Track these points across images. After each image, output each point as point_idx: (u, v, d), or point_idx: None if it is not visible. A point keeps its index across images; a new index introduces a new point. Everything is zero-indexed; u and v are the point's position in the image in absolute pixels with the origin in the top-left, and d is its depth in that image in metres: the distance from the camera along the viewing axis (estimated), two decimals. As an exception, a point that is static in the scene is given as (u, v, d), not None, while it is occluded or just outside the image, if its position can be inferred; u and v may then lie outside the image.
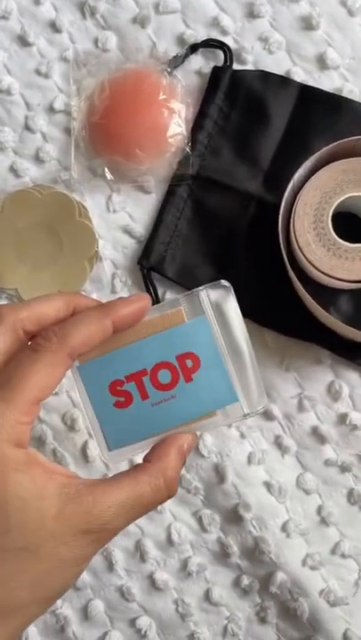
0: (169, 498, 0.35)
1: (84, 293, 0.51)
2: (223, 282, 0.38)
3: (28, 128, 0.52)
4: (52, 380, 0.34)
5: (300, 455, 0.48)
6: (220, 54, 0.51)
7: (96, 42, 0.52)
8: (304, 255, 0.44)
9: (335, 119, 0.49)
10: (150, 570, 0.49)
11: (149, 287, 0.49)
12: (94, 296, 0.50)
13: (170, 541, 0.49)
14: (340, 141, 0.44)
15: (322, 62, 0.50)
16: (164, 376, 0.37)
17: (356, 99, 0.49)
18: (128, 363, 0.37)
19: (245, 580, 0.48)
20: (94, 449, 0.49)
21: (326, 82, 0.50)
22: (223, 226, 0.49)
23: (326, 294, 0.47)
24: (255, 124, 0.50)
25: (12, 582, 0.31)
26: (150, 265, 0.49)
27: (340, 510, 0.48)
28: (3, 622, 0.32)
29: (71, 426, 0.50)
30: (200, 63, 0.51)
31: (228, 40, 0.51)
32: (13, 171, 0.52)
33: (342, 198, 0.44)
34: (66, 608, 0.49)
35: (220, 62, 0.51)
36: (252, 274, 0.49)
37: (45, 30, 0.53)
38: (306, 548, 0.48)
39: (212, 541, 0.48)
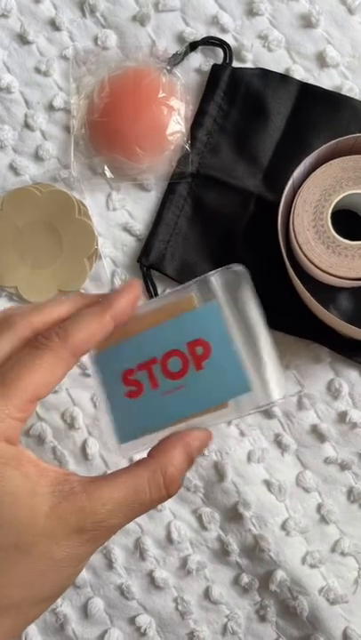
0: (169, 497, 0.33)
1: (83, 291, 0.51)
2: (237, 266, 0.36)
3: (27, 126, 0.52)
4: (52, 379, 0.33)
5: (300, 453, 0.48)
6: (220, 52, 0.51)
7: (96, 40, 0.52)
8: (303, 253, 0.44)
9: (335, 117, 0.49)
10: (150, 568, 0.49)
11: (149, 285, 0.49)
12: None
13: (169, 539, 0.49)
14: (340, 139, 0.44)
15: (321, 60, 0.50)
16: (175, 364, 0.35)
17: (355, 97, 0.49)
18: (139, 351, 0.36)
19: (245, 579, 0.48)
20: (94, 447, 0.49)
21: (326, 80, 0.50)
22: (223, 224, 0.49)
23: (326, 292, 0.47)
24: (255, 121, 0.50)
25: (1, 579, 0.31)
26: (150, 263, 0.49)
27: (340, 508, 0.48)
28: None
29: (71, 424, 0.50)
30: (200, 61, 0.51)
31: (227, 38, 0.51)
32: (13, 169, 0.52)
33: (342, 196, 0.44)
34: (65, 606, 0.49)
35: (220, 60, 0.51)
36: (252, 272, 0.48)
37: (45, 28, 0.53)
38: (306, 546, 0.48)
39: (212, 539, 0.48)
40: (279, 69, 0.50)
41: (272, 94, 0.50)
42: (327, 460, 0.48)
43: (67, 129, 0.52)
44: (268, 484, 0.48)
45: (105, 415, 0.37)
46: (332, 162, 0.45)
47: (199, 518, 0.48)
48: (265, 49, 0.51)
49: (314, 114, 0.49)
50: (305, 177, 0.45)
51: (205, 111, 0.50)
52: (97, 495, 0.31)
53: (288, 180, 0.44)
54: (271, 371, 0.34)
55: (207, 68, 0.51)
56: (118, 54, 0.52)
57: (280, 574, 0.47)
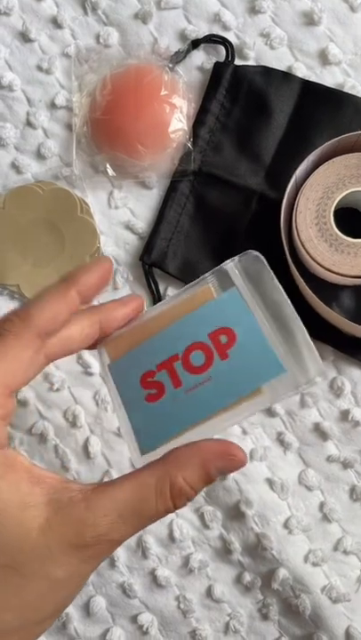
0: (175, 509, 0.29)
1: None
2: (252, 251, 0.34)
3: (29, 124, 0.52)
4: (21, 365, 0.30)
5: (303, 452, 0.48)
6: (222, 50, 0.51)
7: (98, 38, 0.52)
8: (306, 250, 0.44)
9: (337, 115, 0.49)
10: (152, 566, 0.49)
11: (151, 283, 0.49)
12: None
13: (172, 538, 0.48)
14: (342, 136, 0.44)
15: (324, 58, 0.50)
16: (197, 357, 0.33)
17: (358, 94, 0.49)
18: (158, 351, 0.34)
19: (247, 577, 0.48)
20: (96, 445, 0.49)
21: (328, 77, 0.50)
22: (225, 222, 0.49)
23: (328, 290, 0.47)
24: (257, 119, 0.49)
25: None
26: (152, 261, 0.49)
27: (343, 507, 0.48)
28: None
29: (73, 422, 0.49)
30: (202, 59, 0.51)
31: (229, 36, 0.51)
32: (15, 167, 0.52)
33: (344, 193, 0.44)
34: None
35: (222, 58, 0.51)
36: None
37: (47, 26, 0.53)
38: (308, 544, 0.48)
39: (214, 538, 0.48)
40: (281, 67, 0.50)
41: (274, 92, 0.49)
42: (330, 459, 0.48)
43: (69, 127, 0.52)
44: (270, 482, 0.48)
45: (125, 426, 0.34)
46: (334, 159, 0.44)
47: (201, 517, 0.48)
48: (267, 47, 0.51)
49: (316, 112, 0.49)
50: (307, 175, 0.45)
51: (208, 109, 0.50)
52: (98, 505, 0.28)
53: (291, 177, 0.44)
54: (305, 348, 0.32)
55: (209, 65, 0.51)
56: (120, 52, 0.52)
57: (282, 573, 0.47)
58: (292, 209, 0.45)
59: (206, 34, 0.51)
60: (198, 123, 0.50)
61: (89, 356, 0.50)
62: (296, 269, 0.44)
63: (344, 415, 0.48)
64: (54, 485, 0.29)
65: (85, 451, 0.49)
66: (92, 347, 0.36)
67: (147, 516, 0.29)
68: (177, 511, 0.48)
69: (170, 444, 0.32)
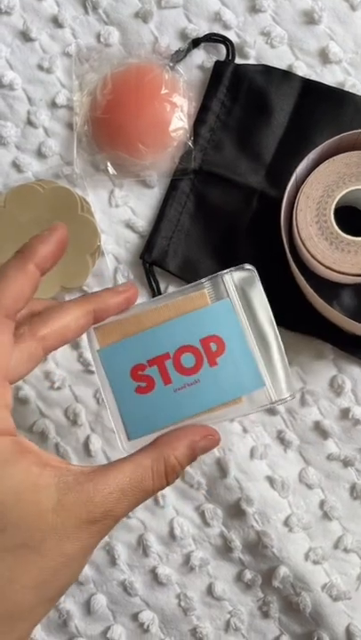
0: (168, 485, 0.34)
1: (85, 288, 0.51)
2: (248, 266, 0.37)
3: (30, 123, 0.52)
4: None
5: (303, 450, 0.48)
6: (223, 49, 0.51)
7: (98, 37, 0.52)
8: (307, 249, 0.44)
9: (338, 113, 0.49)
10: (153, 564, 0.49)
11: (151, 282, 0.49)
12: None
13: (172, 536, 0.49)
14: (343, 135, 0.44)
15: (324, 56, 0.50)
16: (188, 360, 0.36)
17: (358, 93, 0.49)
18: (150, 346, 0.36)
19: (248, 575, 0.48)
20: (97, 443, 0.49)
21: (329, 76, 0.50)
22: (226, 220, 0.49)
23: (329, 288, 0.47)
24: (257, 118, 0.50)
25: (14, 584, 0.29)
26: (152, 259, 0.49)
27: (343, 505, 0.48)
28: (10, 627, 0.30)
29: (74, 420, 0.50)
30: (202, 58, 0.51)
31: (230, 34, 0.51)
32: (16, 166, 0.52)
33: (345, 192, 0.44)
34: (68, 603, 0.49)
35: (223, 57, 0.51)
36: (255, 268, 0.49)
37: (48, 25, 0.53)
38: (308, 542, 0.48)
39: (215, 536, 0.48)
40: (282, 66, 0.50)
41: (275, 91, 0.50)
42: (330, 457, 0.48)
43: (69, 126, 0.52)
44: (270, 480, 0.48)
45: (113, 411, 0.37)
46: (335, 158, 0.45)
47: (202, 515, 0.49)
48: (268, 45, 0.51)
49: (317, 110, 0.49)
50: (308, 173, 0.45)
51: (208, 108, 0.50)
52: (103, 484, 0.31)
53: (291, 176, 0.44)
54: (281, 368, 0.36)
55: (210, 64, 0.51)
56: (121, 51, 0.52)
57: (283, 570, 0.47)
58: (293, 207, 0.45)
59: (207, 32, 0.51)
60: (199, 121, 0.50)
61: (89, 355, 0.50)
62: (297, 268, 0.44)
63: (344, 413, 0.48)
64: (60, 468, 0.31)
65: (86, 449, 0.49)
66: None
67: (145, 492, 0.32)
68: (178, 509, 0.48)
69: (155, 433, 0.35)
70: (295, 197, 0.45)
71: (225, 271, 0.37)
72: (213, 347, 0.36)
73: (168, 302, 0.37)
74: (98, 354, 0.37)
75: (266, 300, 0.37)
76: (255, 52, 0.51)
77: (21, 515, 0.29)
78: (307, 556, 0.47)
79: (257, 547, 0.48)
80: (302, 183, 0.45)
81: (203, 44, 0.51)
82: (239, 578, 0.48)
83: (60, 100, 0.52)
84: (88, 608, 0.49)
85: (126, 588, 0.49)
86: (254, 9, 0.51)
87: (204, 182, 0.50)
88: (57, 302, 0.37)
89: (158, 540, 0.49)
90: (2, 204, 0.50)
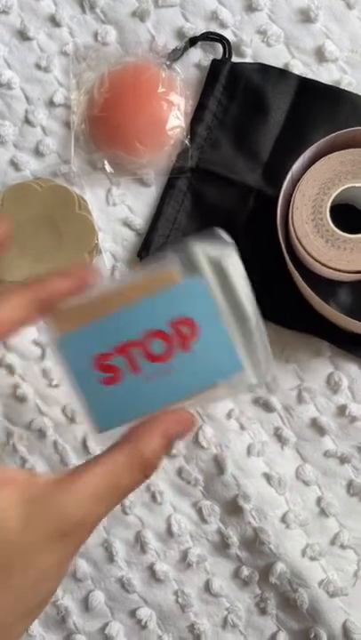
0: (146, 480, 0.31)
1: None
2: (222, 234, 0.33)
3: (28, 122, 0.52)
4: None
5: (300, 447, 0.49)
6: (219, 47, 0.51)
7: (96, 36, 0.52)
8: (303, 246, 0.44)
9: (334, 111, 0.49)
10: (151, 561, 0.49)
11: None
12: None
13: (170, 533, 0.49)
14: (339, 132, 0.44)
15: (320, 55, 0.50)
16: (158, 346, 0.32)
17: (354, 91, 0.49)
18: (114, 333, 0.32)
19: (245, 571, 0.48)
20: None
21: (325, 74, 0.50)
22: (222, 219, 0.50)
23: (326, 286, 0.47)
24: (254, 116, 0.50)
25: None
26: (149, 257, 0.50)
27: (340, 501, 0.48)
28: None
29: (72, 418, 0.50)
30: (199, 56, 0.51)
31: (226, 33, 0.51)
32: (13, 164, 0.52)
33: (341, 189, 0.44)
34: (66, 599, 0.49)
35: (219, 55, 0.51)
36: (252, 266, 0.48)
37: (45, 25, 0.53)
38: (305, 538, 0.48)
39: (212, 532, 0.49)
40: (278, 64, 0.50)
41: (271, 89, 0.50)
42: (327, 454, 0.48)
43: (67, 124, 0.52)
44: (267, 477, 0.48)
45: (78, 403, 0.34)
46: (330, 155, 0.45)
47: (199, 511, 0.49)
48: (264, 44, 0.51)
49: (313, 109, 0.49)
50: (304, 171, 0.45)
51: (205, 106, 0.50)
52: (74, 492, 0.29)
53: (287, 174, 0.44)
54: (261, 349, 0.33)
55: (207, 63, 0.51)
56: (118, 50, 0.52)
57: (280, 567, 0.47)
58: (289, 205, 0.45)
59: (204, 31, 0.51)
60: (196, 120, 0.50)
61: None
62: (293, 266, 0.45)
63: (341, 410, 0.48)
64: (23, 482, 0.29)
65: (84, 446, 0.50)
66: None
67: (121, 492, 0.30)
68: (175, 506, 0.49)
69: (128, 424, 0.33)
70: (291, 195, 0.45)
71: (194, 241, 0.32)
72: (185, 330, 0.32)
73: (132, 282, 0.33)
74: (56, 343, 0.33)
75: (244, 272, 0.33)
76: (252, 51, 0.51)
77: None
78: (304, 553, 0.47)
79: (254, 543, 0.48)
80: (298, 181, 0.45)
81: (199, 43, 0.51)
82: (236, 574, 0.48)
83: (58, 98, 0.52)
84: (86, 604, 0.49)
85: (124, 584, 0.49)
86: (251, 7, 0.51)
87: (200, 180, 0.50)
88: None
89: (156, 537, 0.49)
90: (0, 202, 0.50)
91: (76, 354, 0.33)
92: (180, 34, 0.52)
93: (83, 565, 0.49)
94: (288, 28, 0.51)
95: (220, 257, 0.32)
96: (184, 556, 0.49)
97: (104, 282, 0.34)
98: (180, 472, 0.49)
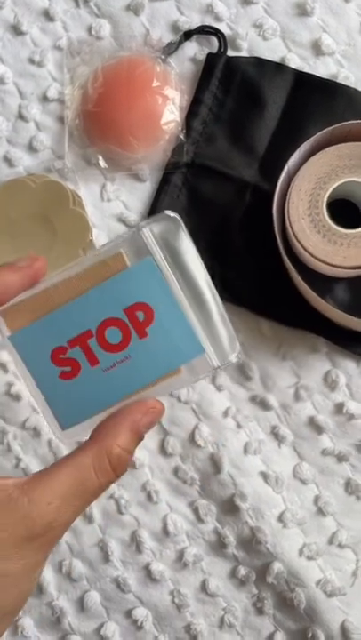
0: (118, 478, 0.31)
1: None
2: (169, 212, 0.32)
3: (21, 117, 0.52)
4: None
5: (297, 445, 0.48)
6: (215, 41, 0.50)
7: (90, 30, 0.52)
8: (299, 242, 0.44)
9: (330, 105, 0.48)
10: (146, 561, 0.48)
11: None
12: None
13: (166, 532, 0.48)
14: (335, 126, 0.43)
15: (317, 48, 0.50)
16: (113, 335, 0.31)
17: (351, 85, 0.49)
18: (68, 325, 0.32)
19: (242, 571, 0.47)
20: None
21: (321, 68, 0.50)
22: (218, 214, 0.49)
23: (322, 282, 0.46)
24: (250, 110, 0.49)
25: None
26: (145, 254, 0.49)
27: (338, 500, 0.47)
28: None
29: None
30: (194, 50, 0.51)
31: (222, 27, 0.50)
32: (7, 160, 0.51)
33: (337, 184, 0.44)
34: (62, 600, 0.49)
35: (215, 49, 0.50)
36: (248, 262, 0.48)
37: (39, 19, 0.52)
38: (303, 538, 0.47)
39: (209, 532, 0.48)
40: (274, 58, 0.50)
41: (267, 83, 0.49)
42: (324, 452, 0.48)
43: (61, 119, 0.51)
44: (264, 475, 0.48)
45: (39, 401, 0.33)
46: (327, 149, 0.44)
47: (195, 511, 0.48)
48: (260, 37, 0.50)
49: (310, 102, 0.49)
50: (300, 165, 0.45)
51: (200, 100, 0.50)
52: (39, 495, 0.28)
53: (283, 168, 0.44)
54: (221, 328, 0.32)
55: (202, 56, 0.50)
56: (112, 44, 0.51)
57: (277, 566, 0.47)
58: (285, 200, 0.44)
59: (199, 25, 0.50)
60: (191, 114, 0.50)
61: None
62: (290, 261, 0.44)
63: (338, 408, 0.48)
64: None
65: (79, 444, 0.49)
66: None
67: (90, 494, 0.30)
68: (171, 505, 0.48)
69: (92, 420, 0.32)
70: (287, 190, 0.45)
71: (142, 223, 0.32)
72: (140, 316, 0.31)
73: (80, 271, 0.32)
74: (9, 341, 0.33)
75: (195, 251, 0.32)
76: (247, 45, 0.50)
77: None
78: (301, 552, 0.47)
79: (251, 542, 0.47)
80: (295, 176, 0.45)
81: (195, 37, 0.51)
82: (233, 574, 0.48)
83: (52, 93, 0.51)
84: (81, 605, 0.49)
85: (120, 584, 0.48)
86: (246, 1, 0.50)
87: (196, 176, 0.49)
88: None
89: (152, 537, 0.49)
90: (-7, 198, 0.50)
91: (31, 350, 0.32)
92: (174, 27, 0.51)
93: (78, 565, 0.49)
94: (284, 21, 0.50)
95: (168, 234, 0.32)
96: (180, 555, 0.48)
97: (53, 272, 0.33)
98: (176, 471, 0.48)
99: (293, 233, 0.44)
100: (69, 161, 0.50)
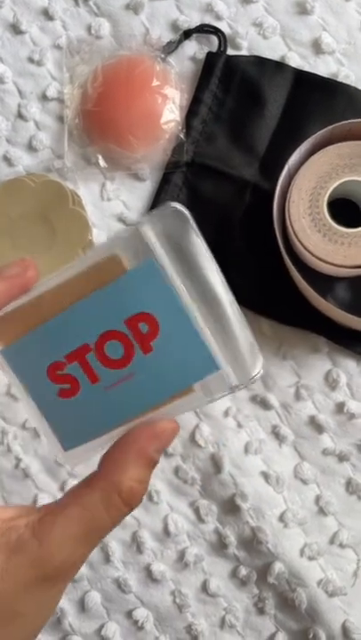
0: (132, 510, 0.29)
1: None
2: (175, 204, 0.27)
3: (20, 116, 0.51)
4: None
5: (298, 444, 0.48)
6: (215, 40, 0.50)
7: (89, 29, 0.52)
8: (300, 241, 0.44)
9: (331, 104, 0.48)
10: (147, 561, 0.48)
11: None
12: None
13: (167, 532, 0.48)
14: (335, 125, 0.43)
15: (317, 47, 0.50)
16: (114, 349, 0.27)
17: (351, 83, 0.49)
18: (63, 338, 0.28)
19: (243, 571, 0.47)
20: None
21: (322, 67, 0.50)
22: (218, 213, 0.49)
23: (323, 281, 0.46)
24: (250, 109, 0.49)
25: None
26: (145, 253, 0.49)
27: (339, 500, 0.47)
28: None
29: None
30: (194, 49, 0.51)
31: (222, 25, 0.50)
32: (6, 159, 0.51)
33: (338, 183, 0.44)
34: (62, 600, 0.49)
35: (215, 48, 0.50)
36: (249, 262, 0.48)
37: (38, 18, 0.52)
38: (304, 537, 0.47)
39: (210, 532, 0.48)
40: (274, 57, 0.50)
41: (268, 82, 0.49)
42: (325, 452, 0.48)
43: (60, 119, 0.51)
44: (265, 475, 0.48)
45: (38, 421, 0.30)
46: (327, 148, 0.44)
47: (196, 511, 0.48)
48: (260, 36, 0.50)
49: (310, 101, 0.49)
50: (300, 164, 0.44)
51: (200, 99, 0.49)
52: (50, 537, 0.27)
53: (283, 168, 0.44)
54: (241, 340, 0.27)
55: (202, 55, 0.50)
56: (112, 43, 0.51)
57: (278, 566, 0.46)
58: (286, 199, 0.44)
59: (198, 24, 0.50)
60: (191, 113, 0.49)
61: None
62: (290, 261, 0.44)
63: (339, 408, 0.47)
64: (2, 526, 0.28)
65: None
66: None
67: (102, 530, 0.28)
68: (172, 505, 0.48)
69: (95, 442, 0.30)
70: (288, 189, 0.45)
71: (142, 218, 0.28)
72: (143, 328, 0.27)
73: (75, 275, 0.27)
74: (1, 356, 0.29)
75: (207, 250, 0.27)
76: (247, 43, 0.50)
77: None
78: (302, 552, 0.47)
79: (252, 543, 0.47)
80: (295, 175, 0.44)
81: (194, 36, 0.50)
82: (234, 574, 0.48)
83: (51, 92, 0.51)
84: (82, 605, 0.49)
85: (120, 585, 0.48)
86: (246, -1, 0.50)
87: (196, 175, 0.49)
88: None
89: (152, 537, 0.48)
90: (-8, 198, 0.50)
91: (26, 366, 0.29)
92: (174, 26, 0.51)
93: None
94: (284, 19, 0.50)
95: (173, 231, 0.26)
96: (181, 555, 0.48)
97: (51, 274, 0.29)
98: (176, 471, 0.48)
99: (294, 232, 0.44)
100: (69, 160, 0.50)
